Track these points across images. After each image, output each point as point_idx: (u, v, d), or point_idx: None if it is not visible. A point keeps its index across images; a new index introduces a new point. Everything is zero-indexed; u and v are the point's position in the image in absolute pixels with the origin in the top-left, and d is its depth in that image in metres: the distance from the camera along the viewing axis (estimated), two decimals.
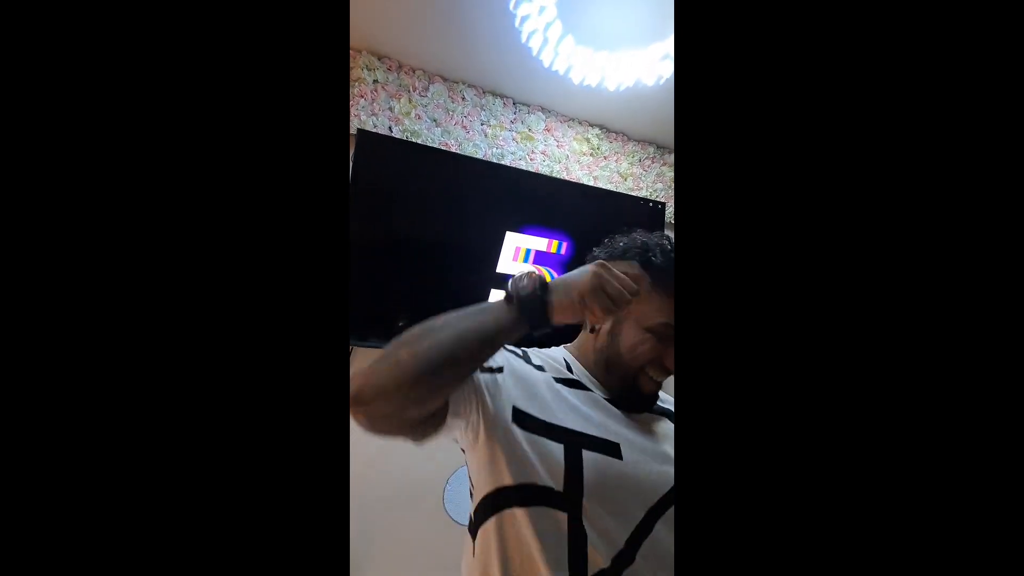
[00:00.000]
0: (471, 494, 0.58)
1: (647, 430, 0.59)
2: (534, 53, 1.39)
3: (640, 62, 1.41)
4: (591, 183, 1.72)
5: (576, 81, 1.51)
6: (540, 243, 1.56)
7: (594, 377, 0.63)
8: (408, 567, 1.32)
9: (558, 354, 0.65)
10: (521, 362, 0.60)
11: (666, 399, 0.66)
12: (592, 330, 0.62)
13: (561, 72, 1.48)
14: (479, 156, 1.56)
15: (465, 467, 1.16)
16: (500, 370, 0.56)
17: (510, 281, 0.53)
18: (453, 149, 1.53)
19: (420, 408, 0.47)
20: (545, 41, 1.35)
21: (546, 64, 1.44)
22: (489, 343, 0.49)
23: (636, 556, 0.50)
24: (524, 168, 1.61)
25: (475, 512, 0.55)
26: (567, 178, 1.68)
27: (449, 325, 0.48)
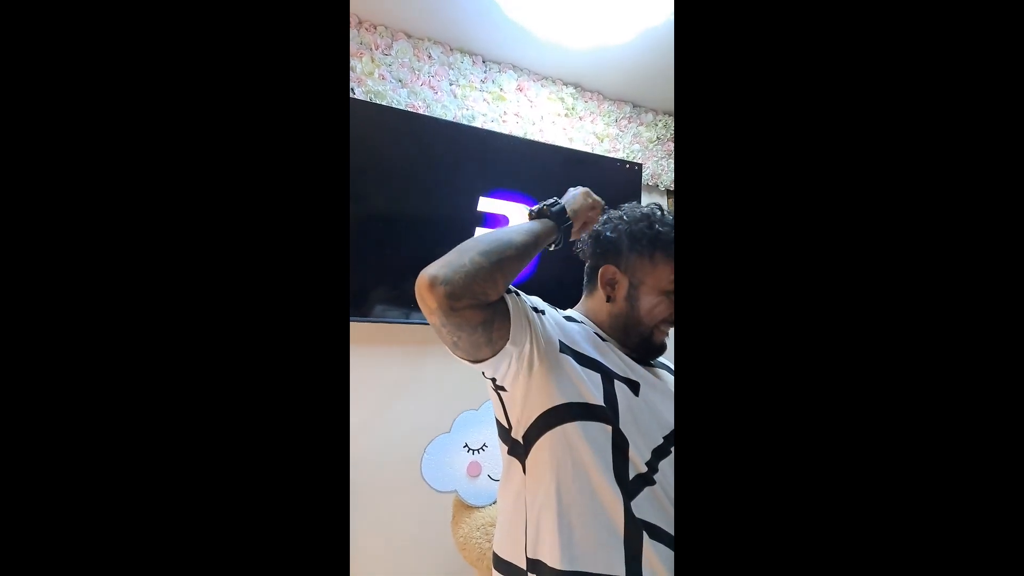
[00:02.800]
0: (504, 433, 0.66)
1: (655, 375, 0.71)
2: (505, 11, 1.32)
3: (616, 15, 1.35)
4: (566, 145, 1.67)
5: (549, 36, 1.45)
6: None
7: (610, 336, 0.72)
8: (388, 534, 1.34)
9: (576, 315, 0.74)
10: (556, 311, 0.70)
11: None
12: (608, 299, 0.72)
13: (532, 27, 1.41)
14: (448, 118, 1.49)
15: (444, 435, 1.18)
16: (543, 313, 0.66)
17: (530, 209, 0.67)
18: (420, 111, 1.46)
19: (492, 290, 0.55)
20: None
21: (516, 18, 1.37)
22: (533, 244, 0.62)
23: (659, 466, 0.61)
24: (496, 130, 1.56)
25: (525, 435, 0.62)
26: (541, 140, 1.63)
27: (501, 232, 0.60)
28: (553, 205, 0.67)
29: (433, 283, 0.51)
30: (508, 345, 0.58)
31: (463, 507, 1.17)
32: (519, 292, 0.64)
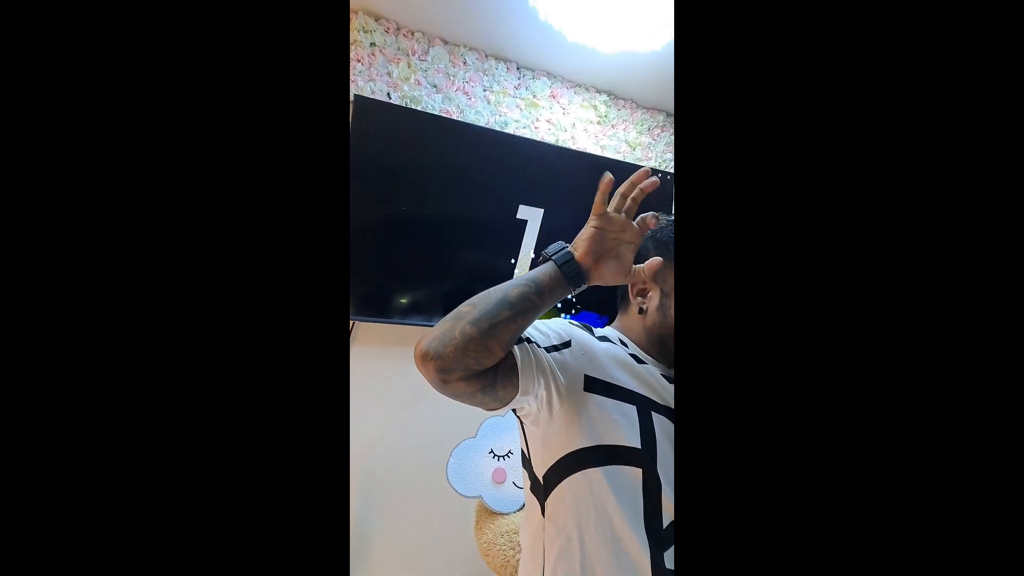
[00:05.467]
0: (527, 463, 0.64)
1: None
2: (540, 15, 1.32)
3: (651, 24, 1.34)
4: (598, 152, 1.66)
5: (584, 43, 1.44)
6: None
7: (648, 355, 0.67)
8: (413, 539, 1.34)
9: (612, 334, 0.69)
10: (586, 334, 0.65)
11: None
12: (641, 311, 0.68)
13: (568, 34, 1.41)
14: (481, 124, 1.50)
15: (470, 440, 1.18)
16: (568, 344, 0.61)
17: (542, 252, 0.58)
18: (454, 116, 1.47)
19: (488, 359, 0.51)
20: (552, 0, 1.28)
21: (553, 25, 1.37)
22: (535, 298, 0.54)
23: None
24: (528, 136, 1.56)
25: (545, 476, 0.59)
26: (573, 147, 1.62)
27: (499, 290, 0.54)
28: (559, 250, 0.57)
29: (425, 358, 0.50)
30: (519, 395, 0.55)
31: (487, 513, 1.17)
32: (530, 338, 0.59)
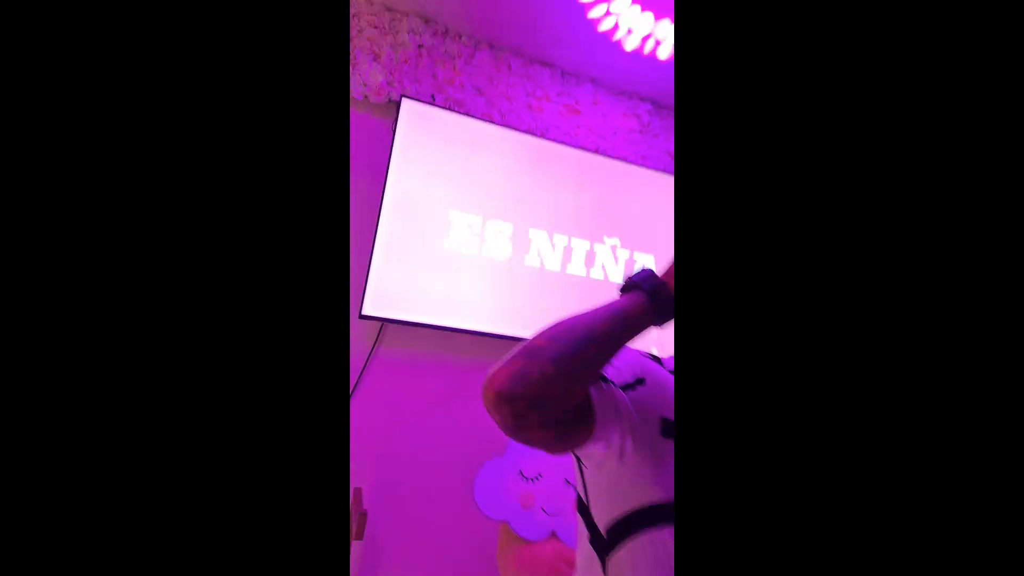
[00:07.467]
0: (584, 511, 0.56)
1: None
2: (589, 14, 1.28)
3: None
4: (639, 162, 1.60)
5: (630, 49, 1.40)
6: None
7: None
8: (435, 557, 1.26)
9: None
10: (657, 367, 0.57)
11: None
12: None
13: (616, 39, 1.36)
14: (522, 129, 1.46)
15: (498, 460, 1.10)
16: (642, 381, 0.53)
17: (626, 279, 0.51)
18: (496, 121, 1.44)
19: (570, 401, 0.45)
20: (606, 8, 1.23)
21: (597, 33, 1.33)
22: (622, 330, 0.47)
23: None
24: (569, 144, 1.51)
25: (609, 531, 0.52)
26: (614, 156, 1.57)
27: (581, 321, 0.47)
28: (647, 277, 0.50)
29: (499, 400, 0.43)
30: (590, 441, 0.49)
31: (513, 539, 1.08)
32: (605, 376, 0.51)
